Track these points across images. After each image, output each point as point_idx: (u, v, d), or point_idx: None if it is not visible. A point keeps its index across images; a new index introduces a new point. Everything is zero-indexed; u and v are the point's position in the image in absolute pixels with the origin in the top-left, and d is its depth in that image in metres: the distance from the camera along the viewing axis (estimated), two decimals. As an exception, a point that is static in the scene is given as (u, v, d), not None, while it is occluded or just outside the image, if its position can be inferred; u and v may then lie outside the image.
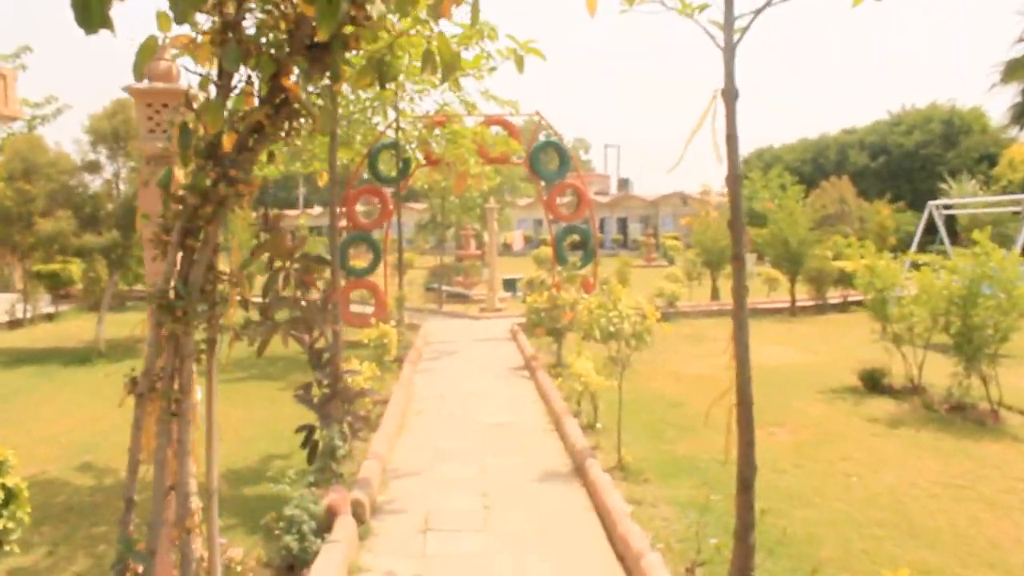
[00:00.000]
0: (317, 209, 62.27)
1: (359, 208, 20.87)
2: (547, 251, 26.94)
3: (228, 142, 3.81)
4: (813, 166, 59.07)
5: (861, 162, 53.71)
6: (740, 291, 4.53)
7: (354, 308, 23.34)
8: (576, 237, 20.73)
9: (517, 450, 9.71)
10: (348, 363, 9.64)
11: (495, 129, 19.25)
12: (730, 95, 4.43)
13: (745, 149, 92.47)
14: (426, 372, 15.29)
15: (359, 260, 19.97)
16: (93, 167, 18.59)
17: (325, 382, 7.26)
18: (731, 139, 4.45)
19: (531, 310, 15.19)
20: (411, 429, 10.85)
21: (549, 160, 20.55)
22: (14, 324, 23.91)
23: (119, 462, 9.14)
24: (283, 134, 3.91)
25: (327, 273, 8.35)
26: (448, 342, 19.36)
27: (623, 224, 70.27)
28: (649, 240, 52.55)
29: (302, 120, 3.91)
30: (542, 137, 20.98)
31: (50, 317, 25.57)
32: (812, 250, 24.17)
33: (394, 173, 18.12)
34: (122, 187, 18.73)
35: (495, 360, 16.53)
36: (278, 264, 7.04)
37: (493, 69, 10.16)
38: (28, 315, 24.39)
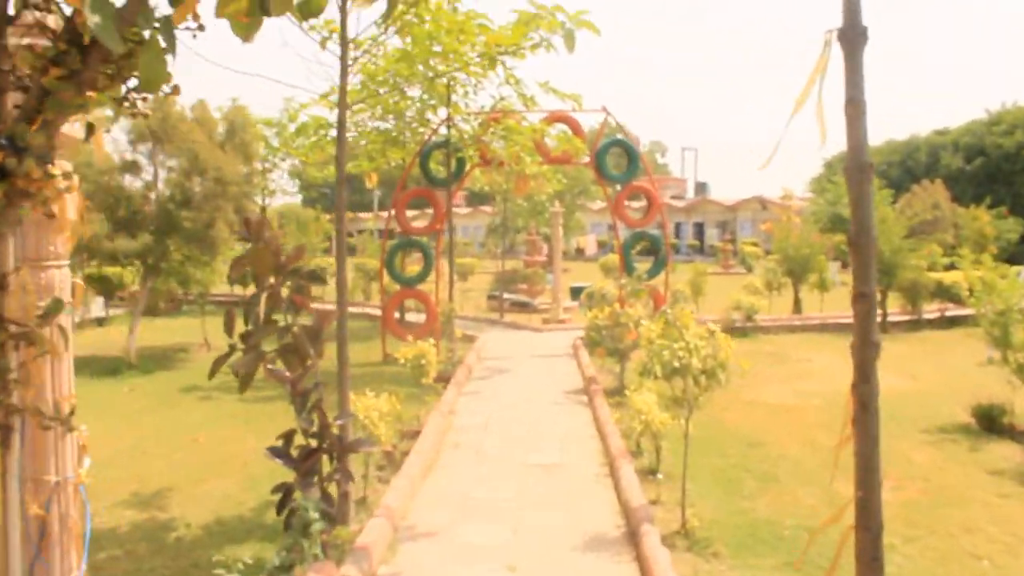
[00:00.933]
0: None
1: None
2: (615, 259, 25.18)
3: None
4: (901, 169, 55.91)
5: (955, 165, 50.48)
6: (867, 351, 2.87)
7: (411, 318, 22.07)
8: (646, 244, 18.98)
9: (561, 503, 8.08)
10: (358, 395, 8.16)
11: (558, 128, 17.69)
12: (853, 35, 2.79)
13: (827, 151, 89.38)
14: (473, 395, 13.75)
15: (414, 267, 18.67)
16: (132, 167, 17.58)
17: (311, 430, 5.76)
18: (854, 104, 2.81)
19: (591, 327, 13.52)
20: (441, 469, 9.30)
21: (617, 161, 18.89)
22: (61, 329, 23.21)
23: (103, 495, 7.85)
24: (98, 90, 2.37)
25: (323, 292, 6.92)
26: (503, 358, 17.82)
27: (700, 230, 68.03)
28: (727, 247, 50.30)
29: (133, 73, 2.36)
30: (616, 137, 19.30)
31: (100, 322, 24.88)
32: (907, 260, 21.92)
33: (446, 174, 16.65)
34: (161, 188, 17.67)
35: (551, 381, 14.91)
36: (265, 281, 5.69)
37: (537, 47, 8.59)
38: (77, 320, 23.64)
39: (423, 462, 9.15)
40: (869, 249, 2.83)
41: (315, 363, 5.97)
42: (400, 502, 7.72)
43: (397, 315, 22.51)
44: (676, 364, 6.86)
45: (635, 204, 36.87)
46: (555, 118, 17.43)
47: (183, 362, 18.25)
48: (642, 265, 17.68)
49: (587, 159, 18.33)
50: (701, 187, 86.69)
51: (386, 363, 17.35)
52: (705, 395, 7.13)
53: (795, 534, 7.19)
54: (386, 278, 18.74)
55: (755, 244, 52.49)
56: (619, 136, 18.82)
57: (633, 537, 6.94)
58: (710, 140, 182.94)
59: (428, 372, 11.68)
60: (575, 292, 29.13)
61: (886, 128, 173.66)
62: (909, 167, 55.48)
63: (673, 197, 69.95)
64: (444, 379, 14.19)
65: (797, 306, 25.37)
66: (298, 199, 59.37)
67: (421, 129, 16.90)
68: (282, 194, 31.92)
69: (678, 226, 64.35)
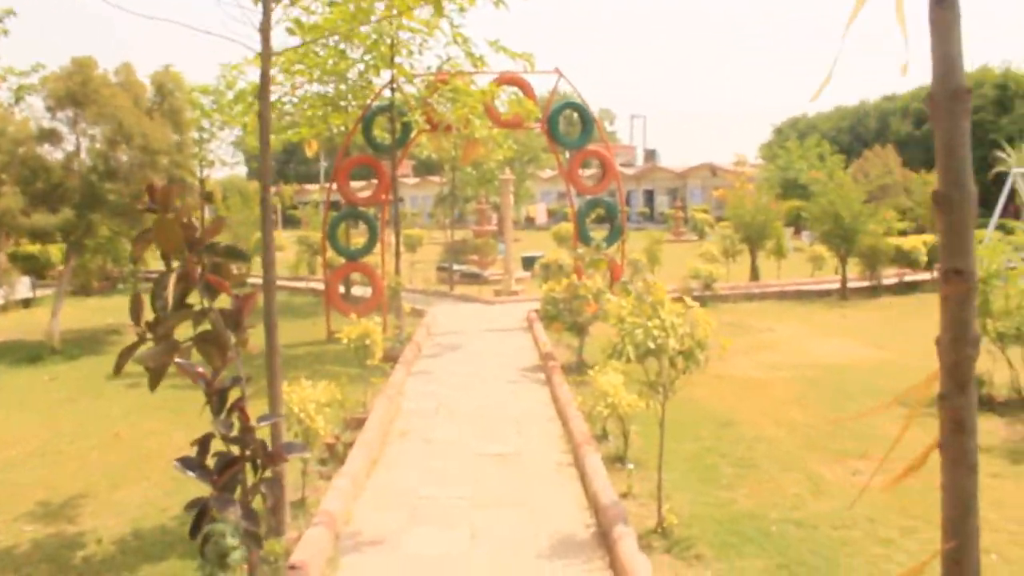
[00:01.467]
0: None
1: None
2: (568, 228, 24.38)
3: None
4: (851, 135, 55.90)
5: (904, 130, 50.39)
6: (964, 350, 2.10)
7: (358, 292, 21.07)
8: (600, 212, 18.19)
9: (523, 499, 7.28)
10: (293, 386, 7.26)
11: (509, 91, 16.77)
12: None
13: (776, 117, 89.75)
14: (422, 375, 12.90)
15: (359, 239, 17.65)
16: (50, 136, 16.25)
17: (230, 435, 4.86)
18: (945, 6, 1.98)
19: (547, 300, 12.71)
20: (388, 463, 8.44)
21: (570, 125, 18.05)
22: (-17, 311, 21.82)
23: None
24: None
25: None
26: (455, 332, 16.98)
27: (650, 197, 67.81)
28: (678, 214, 49.86)
29: None
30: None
31: (26, 303, 23.46)
32: (866, 226, 21.42)
33: (391, 140, 15.64)
34: (84, 158, 16.37)
35: (506, 357, 14.12)
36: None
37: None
38: (1, 301, 22.25)
39: (368, 455, 8.28)
40: (965, 208, 2.03)
41: (236, 354, 5.09)
42: (342, 504, 6.86)
43: (343, 290, 21.54)
44: (651, 345, 6.08)
45: (586, 172, 36.11)
46: (505, 80, 16.49)
47: (113, 345, 17.07)
48: (596, 234, 16.89)
49: (539, 124, 17.46)
50: (650, 154, 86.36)
51: (331, 342, 16.41)
52: (682, 378, 6.36)
53: (782, 529, 6.49)
54: (329, 252, 17.74)
55: (705, 211, 52.15)
56: (572, 100, 17.92)
57: (605, 539, 6.17)
58: (658, 108, 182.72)
59: (373, 353, 10.78)
60: (527, 262, 28.35)
61: (836, 95, 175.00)
62: (859, 133, 55.46)
63: (623, 165, 69.22)
64: (392, 358, 13.32)
65: (754, 273, 24.88)
66: (243, 171, 57.59)
67: (365, 92, 15.84)
68: (221, 165, 30.31)
69: (629, 194, 63.80)
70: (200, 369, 4.90)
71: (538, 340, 14.99)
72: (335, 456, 8.39)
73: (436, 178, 48.78)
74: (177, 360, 4.80)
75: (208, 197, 26.20)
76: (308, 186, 65.84)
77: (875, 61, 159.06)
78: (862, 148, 49.44)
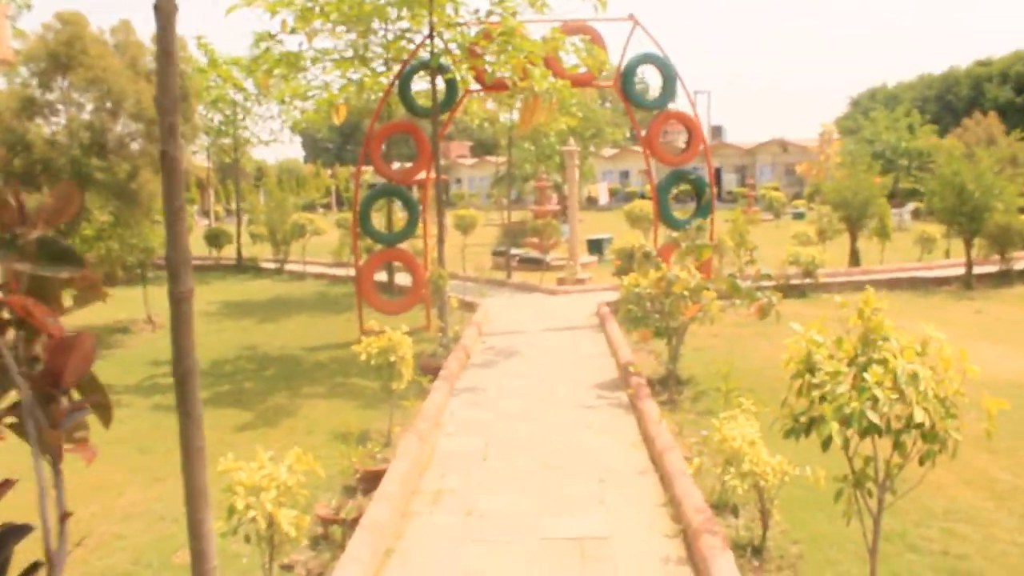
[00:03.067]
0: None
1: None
2: (642, 206, 21.36)
3: None
4: (940, 105, 51.62)
5: (1003, 97, 46.14)
6: None
7: (402, 281, 18.43)
8: (685, 187, 15.22)
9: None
10: (243, 465, 4.53)
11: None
12: None
13: (848, 89, 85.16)
14: (468, 393, 10.15)
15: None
16: (31, 106, 13.78)
17: None
18: None
19: (630, 297, 9.84)
20: (408, 557, 5.69)
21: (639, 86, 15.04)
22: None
23: None
24: None
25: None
26: (511, 332, 14.23)
27: (717, 175, 64.24)
28: (749, 192, 46.30)
29: None
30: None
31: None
32: (995, 201, 18.03)
33: (432, 103, 12.88)
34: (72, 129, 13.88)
35: (575, 368, 11.32)
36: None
37: None
38: None
39: (377, 544, 5.54)
40: None
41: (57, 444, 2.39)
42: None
43: (385, 278, 18.95)
44: (873, 418, 3.23)
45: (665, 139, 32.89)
46: (572, 28, 13.56)
47: (116, 348, 14.71)
48: (694, 219, 13.96)
49: (610, 81, 14.58)
50: (716, 131, 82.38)
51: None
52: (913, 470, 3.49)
53: None
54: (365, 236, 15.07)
55: (776, 188, 48.64)
56: (651, 53, 14.91)
57: None
58: (722, 82, 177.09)
59: (401, 373, 8.09)
60: (593, 245, 25.46)
61: (919, 62, 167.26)
62: (948, 102, 51.22)
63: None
64: (432, 369, 10.63)
65: (855, 257, 21.63)
66: (296, 153, 55.98)
67: (399, 47, 13.08)
68: (264, 147, 27.98)
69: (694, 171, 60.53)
70: None
71: (613, 343, 12.16)
72: (330, 543, 5.69)
73: (494, 159, 46.06)
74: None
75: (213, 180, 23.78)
76: (367, 167, 63.64)
77: (962, 23, 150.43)
78: (952, 118, 45.52)
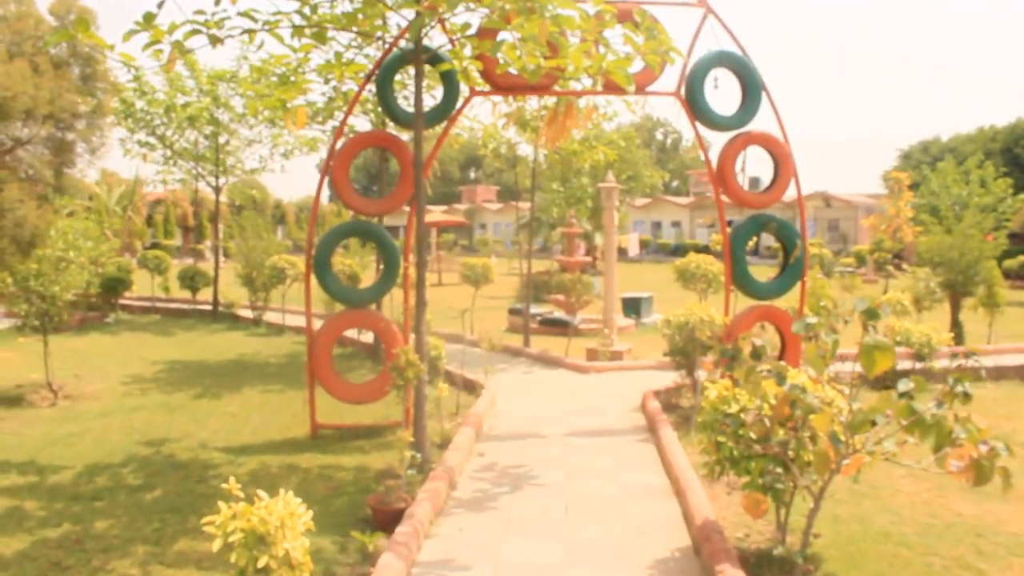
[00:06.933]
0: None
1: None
2: (699, 261, 17.09)
3: None
4: (1007, 158, 47.10)
5: (1077, 151, 41.72)
6: None
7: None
8: (765, 238, 11.04)
9: None
10: None
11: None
12: None
13: (903, 141, 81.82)
14: (440, 568, 5.95)
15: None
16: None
17: None
18: None
19: (714, 421, 5.67)
20: None
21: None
22: None
23: None
24: None
25: None
26: (524, 436, 10.06)
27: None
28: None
29: None
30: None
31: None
32: None
33: (424, 108, 8.84)
34: None
35: (619, 520, 7.06)
36: None
37: None
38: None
39: None
40: None
41: None
42: None
43: (371, 339, 14.93)
44: None
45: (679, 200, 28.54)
46: (622, 15, 9.37)
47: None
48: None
49: (671, 88, 10.53)
50: (754, 182, 78.58)
51: (315, 444, 9.71)
52: None
53: None
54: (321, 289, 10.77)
55: (821, 244, 44.33)
56: (729, 52, 10.82)
57: None
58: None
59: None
60: (628, 305, 21.33)
61: (976, 115, 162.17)
62: (1015, 155, 46.82)
63: (723, 194, 61.71)
64: (387, 516, 6.48)
65: (958, 332, 17.28)
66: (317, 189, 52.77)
67: (372, 22, 9.01)
68: (242, 173, 24.16)
69: (730, 224, 56.26)
70: None
71: (675, 470, 7.95)
72: None
73: (524, 205, 42.14)
74: None
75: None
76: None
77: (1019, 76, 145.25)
78: (1021, 173, 41.46)
